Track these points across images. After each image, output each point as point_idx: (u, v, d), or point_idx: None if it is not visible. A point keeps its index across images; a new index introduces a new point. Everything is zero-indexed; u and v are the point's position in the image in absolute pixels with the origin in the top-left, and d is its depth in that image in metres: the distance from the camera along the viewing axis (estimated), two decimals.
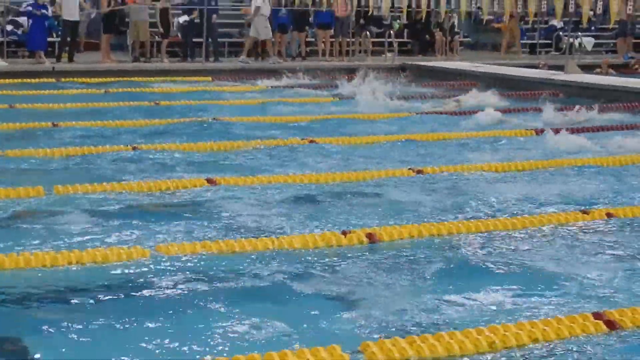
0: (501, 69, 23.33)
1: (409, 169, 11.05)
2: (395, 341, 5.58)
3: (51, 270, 7.16)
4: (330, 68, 24.30)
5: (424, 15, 25.34)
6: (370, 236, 8.09)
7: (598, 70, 24.12)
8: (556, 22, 28.89)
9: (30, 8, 22.75)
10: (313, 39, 27.26)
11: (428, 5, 23.06)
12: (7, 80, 20.35)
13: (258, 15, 24.78)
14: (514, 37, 28.51)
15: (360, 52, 26.46)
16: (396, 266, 7.59)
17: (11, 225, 8.68)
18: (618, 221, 8.97)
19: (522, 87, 20.47)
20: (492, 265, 7.63)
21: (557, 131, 14.03)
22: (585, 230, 8.66)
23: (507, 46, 28.55)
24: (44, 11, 22.88)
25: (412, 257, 7.80)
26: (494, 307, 6.61)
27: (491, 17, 29.92)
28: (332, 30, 26.34)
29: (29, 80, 20.67)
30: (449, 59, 26.92)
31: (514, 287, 7.04)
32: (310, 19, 26.82)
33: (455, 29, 29.20)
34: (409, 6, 23.41)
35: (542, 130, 14.23)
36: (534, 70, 23.18)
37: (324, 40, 26.36)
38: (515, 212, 9.34)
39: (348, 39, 26.40)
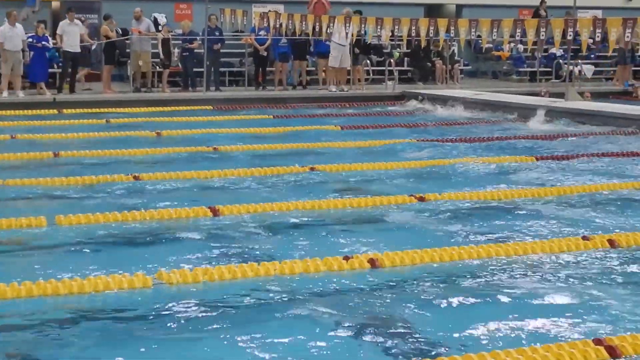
0: (502, 96, 23.36)
1: (411, 195, 11.05)
2: None
3: (53, 299, 7.16)
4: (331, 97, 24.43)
5: (423, 44, 25.42)
6: (372, 262, 8.08)
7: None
8: (555, 50, 29.00)
9: (31, 40, 22.81)
10: (314, 68, 27.34)
11: (428, 34, 23.08)
12: (8, 112, 20.38)
13: (331, 43, 25.08)
14: None
15: (359, 80, 26.51)
16: (397, 292, 7.60)
17: (13, 255, 8.70)
18: (620, 248, 8.95)
19: (524, 114, 20.49)
20: (492, 291, 7.61)
21: (558, 158, 14.15)
22: (586, 257, 8.65)
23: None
24: (45, 43, 22.96)
25: (413, 283, 7.81)
26: (494, 333, 6.59)
27: (490, 45, 30.01)
28: None
29: (30, 111, 20.70)
30: (450, 87, 26.98)
31: (515, 313, 7.02)
32: (310, 48, 26.93)
33: (456, 57, 29.30)
34: (409, 35, 23.45)
35: (543, 157, 14.28)
36: (535, 97, 23.21)
37: (324, 69, 26.42)
38: (516, 238, 9.33)
39: (348, 68, 26.44)
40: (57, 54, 24.26)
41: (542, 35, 21.22)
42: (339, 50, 25.20)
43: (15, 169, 13.15)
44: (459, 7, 32.49)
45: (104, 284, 7.35)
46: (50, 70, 23.87)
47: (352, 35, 24.07)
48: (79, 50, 23.64)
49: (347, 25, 23.52)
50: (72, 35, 23.34)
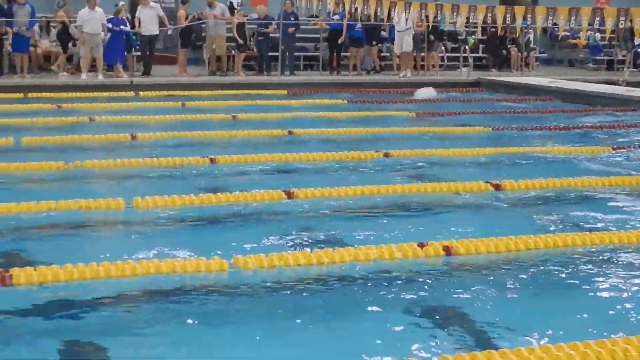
0: (578, 84, 23.09)
1: (487, 182, 10.98)
2: (473, 356, 5.53)
3: (130, 280, 7.24)
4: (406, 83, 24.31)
5: (499, 30, 25.16)
6: (446, 249, 8.06)
7: None
8: (637, 39, 28.55)
9: (110, 25, 23.06)
10: (388, 54, 27.26)
11: (504, 21, 22.84)
12: (87, 94, 20.67)
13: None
14: None
15: (434, 66, 26.40)
16: (472, 280, 7.56)
17: (92, 236, 8.83)
18: None
19: (599, 103, 20.25)
20: (567, 281, 7.57)
21: (635, 148, 13.97)
22: None
23: None
24: (122, 26, 23.22)
25: (488, 271, 7.77)
26: (569, 324, 6.52)
27: (567, 33, 29.65)
28: None
29: (108, 93, 20.95)
30: (525, 75, 26.74)
31: (590, 304, 6.99)
32: (382, 33, 26.87)
33: (531, 45, 29.02)
34: (484, 21, 23.24)
35: (620, 147, 14.10)
36: (611, 86, 22.91)
37: (399, 55, 26.32)
38: (592, 228, 9.22)
39: (423, 54, 26.33)
40: (134, 37, 24.47)
41: (622, 24, 20.91)
42: (398, 36, 25.11)
43: (94, 151, 13.32)
44: None
45: (181, 267, 7.42)
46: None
47: (429, 21, 23.95)
48: (156, 32, 23.91)
49: (407, 11, 23.47)
50: (148, 18, 23.61)
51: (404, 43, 25.32)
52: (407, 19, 24.27)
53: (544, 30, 29.07)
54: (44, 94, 20.30)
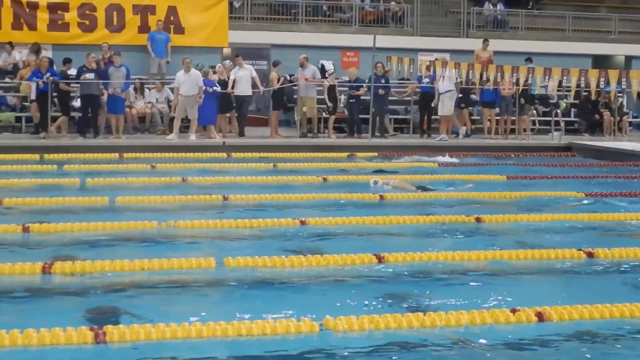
0: None
1: (579, 250, 10.81)
2: None
3: (221, 341, 7.28)
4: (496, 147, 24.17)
5: (593, 94, 24.96)
6: (539, 315, 7.95)
7: None
8: None
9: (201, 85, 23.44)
10: (478, 117, 27.21)
11: (597, 85, 22.65)
12: (180, 154, 20.97)
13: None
14: None
15: (525, 130, 26.23)
16: (565, 347, 7.46)
17: (184, 295, 8.91)
18: None
19: None
20: None
21: None
22: None
23: None
24: (215, 88, 23.58)
25: (582, 339, 7.65)
26: None
27: None
28: (497, 109, 26.19)
29: (200, 154, 21.23)
30: (618, 139, 26.42)
31: None
32: (474, 96, 26.81)
33: (624, 109, 28.69)
34: (577, 85, 23.07)
35: None
36: None
37: (489, 118, 26.25)
38: None
39: (513, 117, 26.18)
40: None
41: None
42: (440, 98, 25.00)
43: (186, 211, 13.51)
44: (628, 58, 31.86)
45: (272, 328, 7.44)
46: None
47: (519, 85, 23.82)
48: (249, 93, 24.24)
49: (444, 69, 23.47)
50: (242, 79, 23.98)
51: (443, 106, 24.99)
52: (443, 77, 24.15)
53: (638, 94, 28.69)
54: (138, 155, 20.69)
